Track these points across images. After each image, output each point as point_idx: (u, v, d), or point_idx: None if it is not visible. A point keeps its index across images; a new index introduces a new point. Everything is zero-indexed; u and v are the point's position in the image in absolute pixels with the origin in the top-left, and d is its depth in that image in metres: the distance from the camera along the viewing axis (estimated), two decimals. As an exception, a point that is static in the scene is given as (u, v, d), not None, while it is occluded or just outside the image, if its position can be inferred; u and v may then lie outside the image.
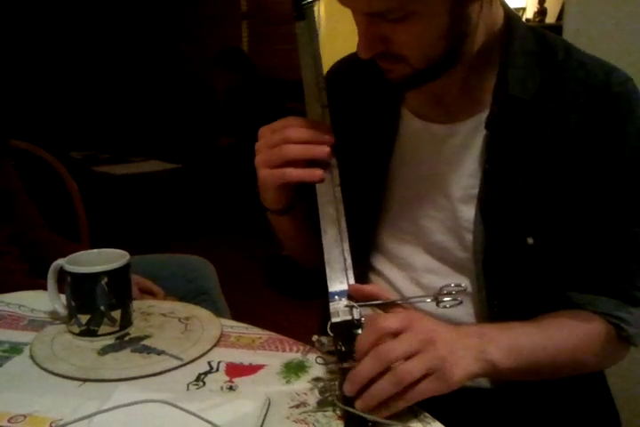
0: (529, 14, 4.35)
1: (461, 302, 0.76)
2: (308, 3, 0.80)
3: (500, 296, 0.87)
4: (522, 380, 0.80)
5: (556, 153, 0.82)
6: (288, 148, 0.80)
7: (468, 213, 0.87)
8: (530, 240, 0.84)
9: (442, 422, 0.70)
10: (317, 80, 0.83)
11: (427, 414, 0.70)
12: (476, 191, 0.87)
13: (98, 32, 5.16)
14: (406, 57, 0.78)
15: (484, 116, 0.86)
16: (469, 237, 0.87)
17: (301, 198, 0.91)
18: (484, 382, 0.87)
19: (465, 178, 0.88)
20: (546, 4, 4.29)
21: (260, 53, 4.90)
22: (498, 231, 0.85)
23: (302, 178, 0.81)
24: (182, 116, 4.89)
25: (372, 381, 0.66)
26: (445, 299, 0.76)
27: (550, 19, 4.24)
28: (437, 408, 0.70)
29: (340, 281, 0.78)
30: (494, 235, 0.86)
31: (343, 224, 0.80)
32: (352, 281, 0.78)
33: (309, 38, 0.82)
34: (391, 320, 0.70)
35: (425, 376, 0.66)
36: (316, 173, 0.80)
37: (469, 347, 0.72)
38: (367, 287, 0.78)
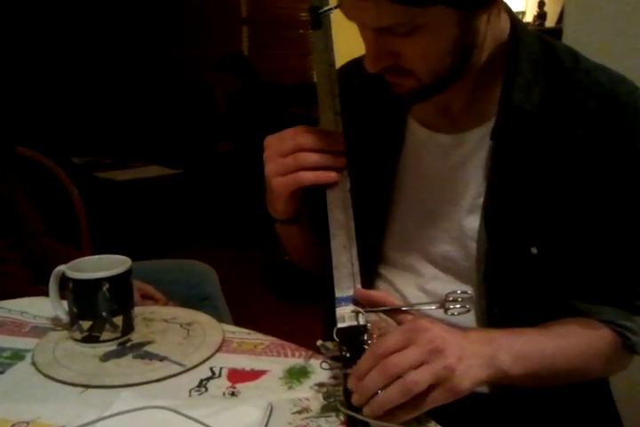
0: (528, 18, 4.35)
1: (469, 310, 0.76)
2: (325, 11, 0.80)
3: (501, 306, 0.86)
4: (529, 386, 0.80)
5: (561, 163, 0.82)
6: (304, 155, 0.79)
7: (474, 222, 0.87)
8: (534, 250, 0.83)
9: (443, 426, 0.70)
10: (332, 88, 0.83)
11: (429, 419, 0.70)
12: (481, 201, 0.86)
13: (98, 37, 5.17)
14: (414, 71, 0.77)
15: (489, 126, 0.85)
16: (474, 246, 0.87)
17: (309, 206, 0.90)
18: (483, 388, 0.86)
19: (470, 187, 0.88)
20: (545, 8, 4.29)
21: (260, 58, 4.91)
22: (502, 241, 0.85)
23: (317, 180, 0.80)
24: (182, 121, 4.89)
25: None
26: (454, 306, 0.75)
27: (550, 22, 4.25)
28: (438, 413, 0.69)
29: (347, 286, 0.77)
30: (498, 244, 0.85)
31: (352, 230, 0.80)
32: (359, 287, 0.78)
33: (325, 46, 0.82)
34: (392, 340, 0.69)
35: (433, 386, 0.66)
36: (330, 175, 0.80)
37: (478, 354, 0.71)
38: (374, 293, 0.78)
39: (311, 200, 0.88)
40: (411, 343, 0.68)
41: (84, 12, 5.07)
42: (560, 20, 3.79)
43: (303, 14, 4.92)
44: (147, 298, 1.28)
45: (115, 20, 5.27)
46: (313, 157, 0.80)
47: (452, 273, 0.91)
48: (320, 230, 0.84)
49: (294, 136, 0.81)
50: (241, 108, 4.28)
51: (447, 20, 0.72)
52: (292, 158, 0.80)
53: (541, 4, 4.29)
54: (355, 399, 0.67)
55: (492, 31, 0.80)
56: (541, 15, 4.30)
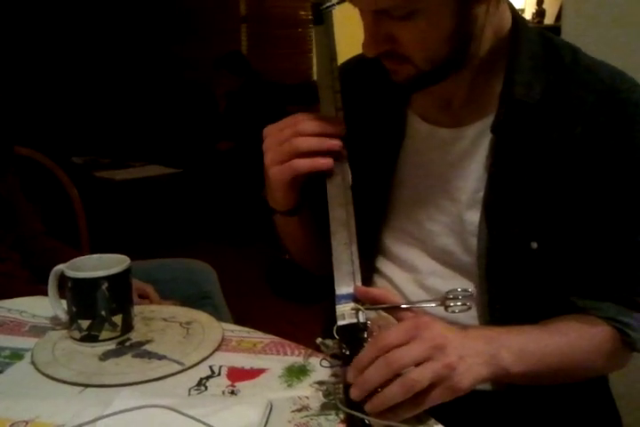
0: (527, 15, 4.34)
1: (470, 308, 0.76)
2: (327, 7, 0.81)
3: (502, 300, 0.87)
4: (530, 384, 0.80)
5: (561, 158, 0.82)
6: (298, 140, 0.79)
7: (474, 216, 0.87)
8: (534, 245, 0.83)
9: (444, 424, 0.70)
10: (333, 83, 0.84)
11: (429, 417, 0.70)
12: (481, 195, 0.86)
13: (97, 36, 5.17)
14: (411, 57, 0.78)
15: (490, 119, 0.85)
16: (474, 240, 0.87)
17: (310, 201, 0.90)
18: (485, 385, 0.86)
19: (471, 182, 0.88)
20: (544, 5, 4.29)
21: (259, 57, 4.90)
22: (502, 235, 0.85)
23: (313, 167, 0.80)
24: (182, 120, 4.89)
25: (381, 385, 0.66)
26: (455, 304, 0.75)
27: (549, 20, 4.25)
28: (439, 411, 0.69)
29: (347, 284, 0.77)
30: (499, 239, 0.85)
31: (352, 227, 0.80)
32: (359, 284, 0.78)
33: (327, 42, 0.83)
34: (394, 335, 0.69)
35: (433, 384, 0.66)
36: (326, 161, 0.79)
37: (479, 352, 0.71)
38: (374, 291, 0.78)
39: (313, 197, 0.88)
40: (412, 339, 0.68)
41: (84, 11, 5.06)
42: (559, 17, 3.79)
43: (302, 13, 4.93)
44: (143, 296, 1.28)
45: (114, 19, 5.26)
46: (309, 141, 0.79)
47: (452, 267, 0.91)
48: (320, 225, 0.84)
49: (293, 124, 0.81)
50: (240, 108, 4.28)
51: (444, 7, 0.73)
52: (287, 145, 0.80)
53: (540, 2, 4.29)
54: (353, 393, 0.67)
55: (492, 24, 0.81)
56: (540, 12, 4.30)
